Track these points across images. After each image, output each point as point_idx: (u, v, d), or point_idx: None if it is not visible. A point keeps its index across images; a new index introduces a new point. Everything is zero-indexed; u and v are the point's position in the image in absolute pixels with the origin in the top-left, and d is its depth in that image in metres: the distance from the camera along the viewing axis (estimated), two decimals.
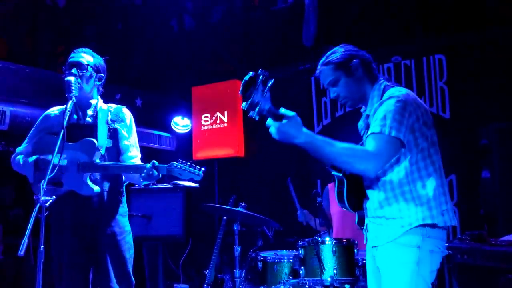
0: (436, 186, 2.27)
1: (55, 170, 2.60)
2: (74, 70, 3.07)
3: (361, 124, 2.53)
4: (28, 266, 5.51)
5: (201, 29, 7.00)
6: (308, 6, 5.86)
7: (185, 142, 6.68)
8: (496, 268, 3.10)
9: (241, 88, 2.00)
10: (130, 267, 3.22)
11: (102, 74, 3.27)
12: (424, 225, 2.21)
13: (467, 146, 4.87)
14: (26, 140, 3.27)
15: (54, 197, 2.47)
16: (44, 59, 6.02)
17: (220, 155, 6.35)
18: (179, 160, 3.08)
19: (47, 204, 2.42)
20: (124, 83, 6.37)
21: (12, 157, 3.24)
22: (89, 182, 3.06)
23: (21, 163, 3.17)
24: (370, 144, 2.20)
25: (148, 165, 3.03)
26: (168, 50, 7.08)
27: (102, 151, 3.12)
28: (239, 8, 6.86)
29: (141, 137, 6.22)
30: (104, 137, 3.15)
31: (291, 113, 2.13)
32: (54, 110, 3.28)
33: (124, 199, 3.32)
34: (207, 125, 6.49)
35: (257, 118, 2.06)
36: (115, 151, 3.23)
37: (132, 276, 3.22)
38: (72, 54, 3.18)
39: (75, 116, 3.19)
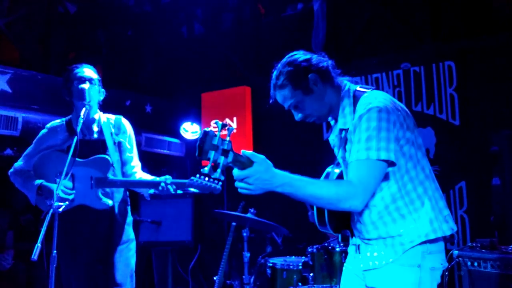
0: (432, 193, 2.07)
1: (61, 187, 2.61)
2: (87, 83, 3.11)
3: (333, 139, 2.27)
4: (41, 271, 5.55)
5: (211, 35, 7.04)
6: (317, 13, 5.88)
7: (194, 148, 6.68)
8: (507, 275, 3.08)
9: (197, 152, 1.80)
10: (134, 272, 3.32)
11: (103, 90, 3.29)
12: (425, 242, 2.01)
13: (477, 153, 4.85)
14: (24, 158, 3.25)
15: (67, 202, 2.50)
16: (55, 66, 6.08)
17: None
18: (197, 175, 3.09)
19: (60, 210, 2.46)
20: (134, 90, 6.43)
21: (11, 172, 3.22)
22: (102, 196, 3.13)
23: (22, 182, 3.16)
24: (353, 173, 1.95)
25: (168, 180, 3.07)
26: (177, 57, 7.12)
27: (115, 166, 3.20)
28: (248, 14, 6.90)
29: (150, 143, 6.29)
30: (113, 152, 3.21)
31: (258, 155, 1.89)
32: (54, 127, 3.26)
33: (129, 208, 3.40)
34: (216, 131, 6.50)
35: (222, 177, 1.83)
36: (120, 163, 3.31)
37: (134, 281, 3.32)
38: (78, 70, 3.17)
39: (78, 129, 3.02)
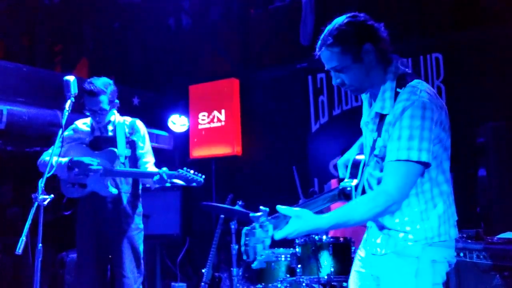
0: (447, 197, 2.03)
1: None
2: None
3: (367, 121, 2.14)
4: (26, 265, 5.52)
5: (199, 27, 7.00)
6: (305, 5, 5.87)
7: (182, 140, 6.69)
8: (492, 266, 3.11)
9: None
10: (142, 260, 3.69)
11: (117, 101, 3.73)
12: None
13: (464, 145, 4.88)
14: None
15: (52, 195, 2.56)
16: (41, 58, 6.01)
17: (217, 153, 6.35)
18: (185, 168, 3.53)
19: (45, 203, 2.47)
20: (121, 82, 6.36)
21: (39, 160, 3.66)
22: (109, 185, 3.58)
23: (53, 164, 3.38)
24: (391, 176, 1.90)
25: (161, 170, 3.48)
26: (165, 49, 7.08)
27: (122, 159, 3.64)
28: (236, 6, 6.86)
29: None
30: (123, 147, 3.66)
31: (294, 210, 1.89)
32: (81, 125, 3.78)
33: (140, 200, 3.79)
34: (204, 124, 6.49)
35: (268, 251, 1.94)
36: (134, 158, 3.75)
37: (143, 266, 3.68)
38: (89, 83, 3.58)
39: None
